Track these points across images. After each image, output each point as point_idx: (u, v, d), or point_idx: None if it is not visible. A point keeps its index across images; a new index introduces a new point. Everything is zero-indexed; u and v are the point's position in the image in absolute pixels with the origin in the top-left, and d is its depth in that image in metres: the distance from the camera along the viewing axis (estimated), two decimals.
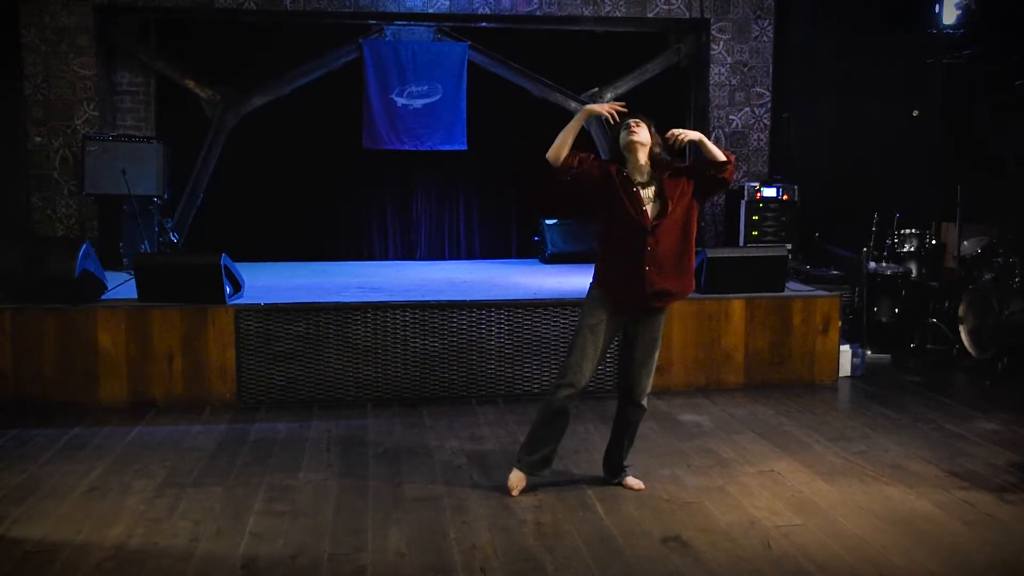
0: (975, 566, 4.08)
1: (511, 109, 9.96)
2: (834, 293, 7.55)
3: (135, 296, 6.80)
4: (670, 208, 4.63)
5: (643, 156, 4.67)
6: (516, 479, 4.91)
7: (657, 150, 4.71)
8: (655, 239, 4.62)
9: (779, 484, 5.09)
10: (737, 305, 7.21)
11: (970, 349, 7.75)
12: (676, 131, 4.70)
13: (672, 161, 4.75)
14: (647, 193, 4.67)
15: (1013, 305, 7.39)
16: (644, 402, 4.90)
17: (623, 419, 4.99)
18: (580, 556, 4.15)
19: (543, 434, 4.88)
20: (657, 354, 4.88)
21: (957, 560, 4.12)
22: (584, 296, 4.87)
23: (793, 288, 7.65)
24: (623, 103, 4.83)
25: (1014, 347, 7.41)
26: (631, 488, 4.97)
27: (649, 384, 4.89)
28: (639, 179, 4.68)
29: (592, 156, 4.86)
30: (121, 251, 8.53)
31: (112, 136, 8.93)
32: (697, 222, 4.84)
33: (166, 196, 8.89)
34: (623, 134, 4.71)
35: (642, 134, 4.68)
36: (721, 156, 4.66)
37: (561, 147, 4.75)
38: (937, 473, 5.26)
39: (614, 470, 5.08)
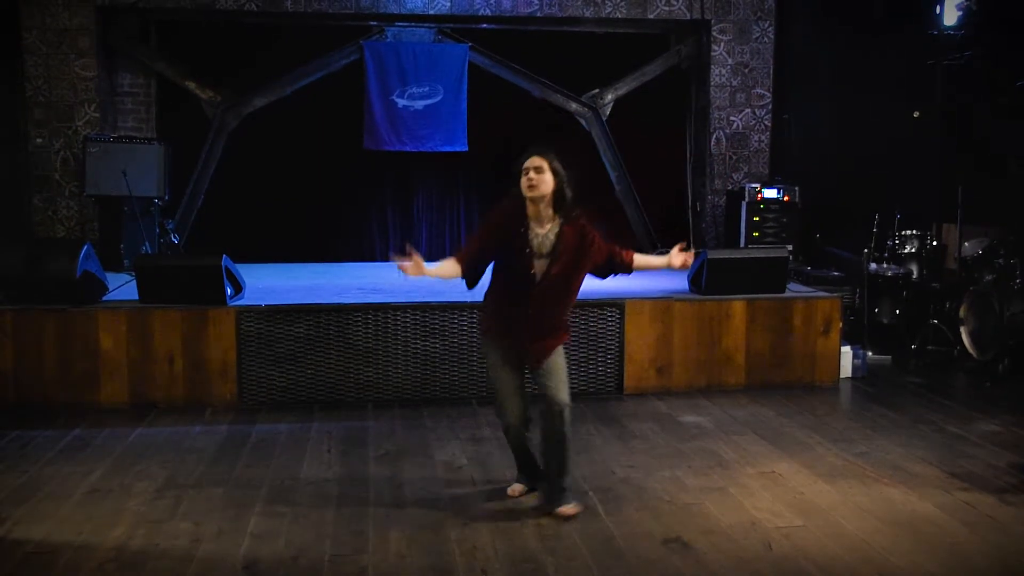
0: (976, 567, 4.08)
1: (512, 110, 9.96)
2: (835, 294, 7.54)
3: (136, 297, 6.81)
4: (559, 264, 4.43)
5: (544, 205, 4.39)
6: (517, 488, 4.94)
7: (567, 192, 4.41)
8: (540, 293, 4.45)
9: (780, 485, 5.08)
10: (738, 306, 7.21)
11: (971, 350, 7.74)
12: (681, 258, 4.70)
13: (578, 212, 4.47)
14: (542, 244, 4.42)
15: (1014, 306, 7.38)
16: (566, 412, 4.56)
17: (546, 431, 4.64)
18: (581, 557, 4.15)
19: (518, 457, 4.88)
20: (563, 371, 4.62)
21: (958, 561, 4.12)
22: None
23: (794, 289, 7.65)
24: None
25: (1015, 348, 7.41)
26: (563, 515, 4.57)
27: (566, 392, 4.59)
28: (537, 229, 4.42)
29: (477, 239, 4.59)
30: (122, 252, 8.54)
31: (113, 137, 8.94)
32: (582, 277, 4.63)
33: (167, 197, 8.89)
34: (522, 180, 4.37)
35: (542, 185, 4.35)
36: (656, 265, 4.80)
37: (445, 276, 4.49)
38: (938, 474, 5.26)
39: (542, 487, 4.79)
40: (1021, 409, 6.57)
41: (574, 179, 4.44)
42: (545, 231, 4.43)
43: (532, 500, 4.86)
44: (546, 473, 4.70)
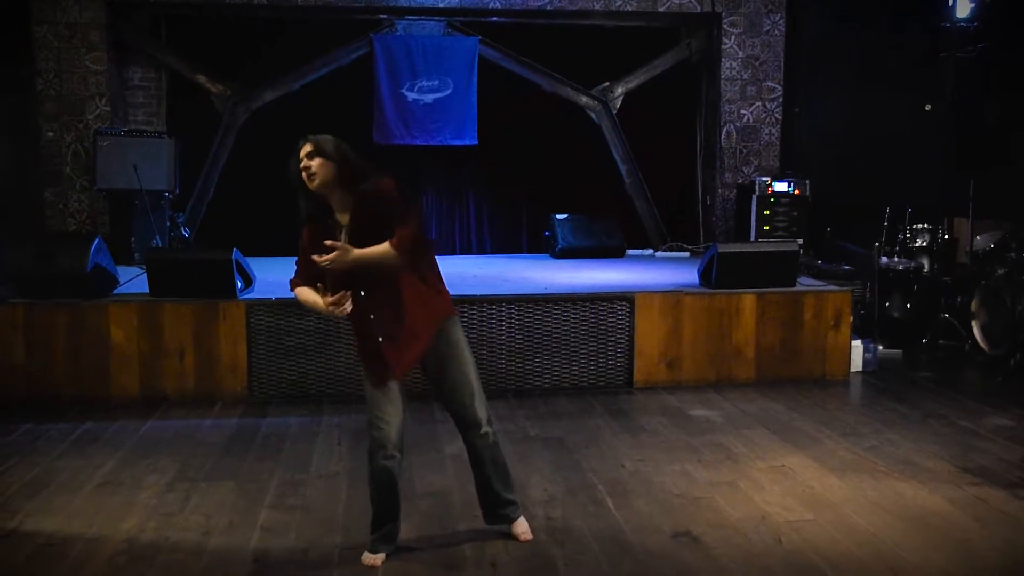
0: (987, 563, 4.06)
1: (522, 104, 9.94)
2: (846, 288, 7.52)
3: (147, 291, 6.82)
4: (362, 241, 3.81)
5: (337, 192, 3.88)
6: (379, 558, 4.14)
7: (353, 166, 3.87)
8: (369, 286, 3.87)
9: (790, 479, 5.07)
10: (748, 300, 7.19)
11: (982, 345, 7.71)
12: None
13: (371, 181, 3.89)
14: (344, 226, 3.90)
15: (1022, 301, 7.34)
16: (486, 426, 4.09)
17: (472, 454, 4.19)
18: (590, 551, 4.15)
19: (387, 500, 4.13)
20: (469, 366, 4.07)
21: (969, 556, 4.11)
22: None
23: (804, 283, 7.63)
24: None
25: None
26: (517, 537, 4.23)
27: (482, 403, 4.08)
28: (344, 220, 3.90)
29: (299, 257, 4.07)
30: (132, 246, 8.56)
31: (123, 131, 8.96)
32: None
33: (177, 191, 8.91)
34: (303, 174, 3.84)
35: (319, 170, 3.82)
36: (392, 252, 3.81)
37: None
38: (949, 469, 5.24)
39: (491, 513, 4.29)
40: None
41: (348, 150, 3.91)
42: (346, 219, 3.91)
43: (541, 494, 4.86)
44: (480, 489, 4.25)
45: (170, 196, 8.80)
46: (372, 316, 3.90)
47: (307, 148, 3.85)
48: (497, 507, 4.25)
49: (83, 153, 9.06)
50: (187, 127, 9.48)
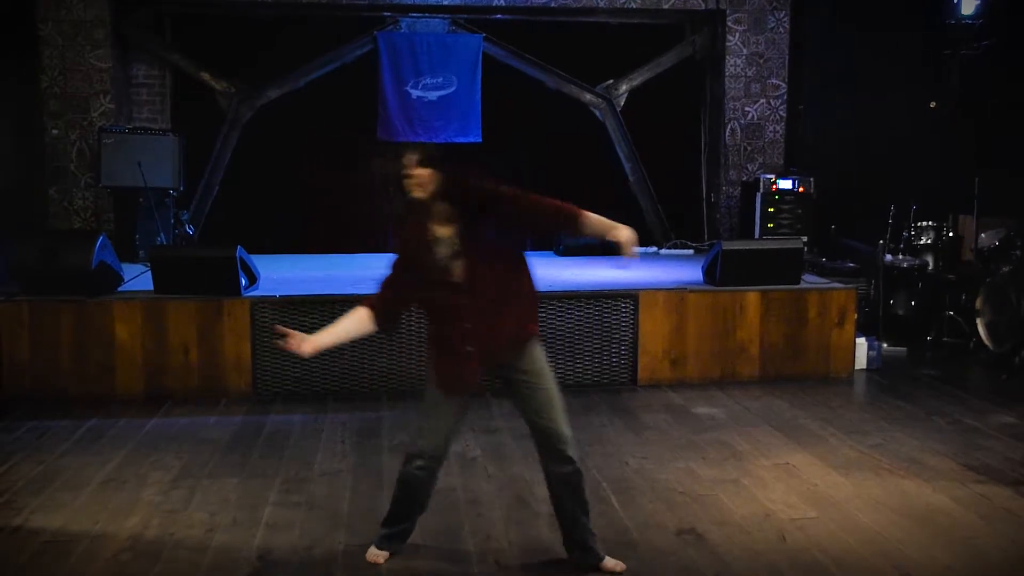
0: (991, 560, 4.06)
1: (526, 102, 9.93)
2: (850, 286, 7.51)
3: (151, 288, 6.83)
4: (471, 246, 3.73)
5: (437, 203, 3.74)
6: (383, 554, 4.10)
7: (453, 178, 3.75)
8: (474, 294, 3.72)
9: (794, 477, 5.07)
10: (752, 298, 7.18)
11: (987, 342, 7.70)
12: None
13: (457, 179, 3.78)
14: (452, 243, 3.74)
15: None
16: (572, 452, 3.84)
17: (558, 487, 3.91)
18: None
19: (411, 504, 4.11)
20: (554, 384, 3.87)
21: (973, 554, 4.10)
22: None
23: (809, 281, 7.62)
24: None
25: None
26: (613, 570, 3.92)
27: (567, 422, 3.86)
28: (441, 231, 3.75)
29: (391, 272, 3.89)
30: (137, 243, 8.57)
31: (128, 129, 8.95)
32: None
33: (182, 188, 8.91)
34: (406, 182, 3.72)
35: (423, 180, 3.71)
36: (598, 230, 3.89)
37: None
38: (953, 467, 5.23)
39: (582, 547, 3.98)
40: None
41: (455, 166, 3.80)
42: (450, 229, 3.74)
43: (546, 491, 4.86)
44: (563, 523, 3.98)
45: (174, 193, 8.80)
46: (469, 325, 3.73)
47: (415, 156, 3.72)
48: (587, 539, 3.95)
49: (87, 150, 9.06)
50: (192, 124, 9.47)
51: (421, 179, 3.68)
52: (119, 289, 6.92)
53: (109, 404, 6.48)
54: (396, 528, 4.06)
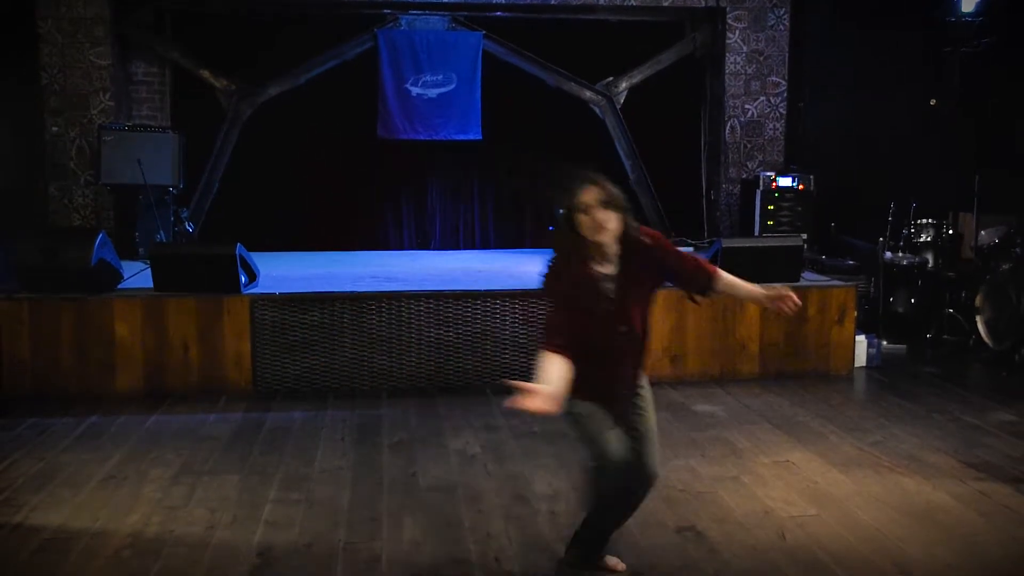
0: (991, 557, 4.06)
1: (526, 99, 9.93)
2: (850, 283, 7.51)
3: (151, 286, 6.83)
4: (631, 291, 3.61)
5: (609, 243, 3.54)
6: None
7: (630, 221, 3.56)
8: (626, 335, 3.63)
9: (794, 474, 5.07)
10: None
11: (987, 340, 7.70)
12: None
13: (636, 227, 3.58)
14: (609, 280, 3.58)
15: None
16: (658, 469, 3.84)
17: (630, 501, 3.89)
18: None
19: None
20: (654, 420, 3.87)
21: (973, 552, 4.11)
22: None
23: (809, 278, 7.62)
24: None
25: None
26: (615, 568, 3.97)
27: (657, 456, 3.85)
28: (604, 270, 3.58)
29: (556, 315, 3.60)
30: (137, 241, 8.56)
31: (128, 126, 8.95)
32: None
33: (182, 186, 8.90)
34: (583, 221, 3.47)
35: (609, 223, 3.48)
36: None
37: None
38: (953, 464, 5.24)
39: (596, 551, 4.01)
40: None
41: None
42: (611, 269, 3.59)
43: (546, 488, 4.87)
44: (604, 533, 3.97)
45: (174, 191, 8.80)
46: (621, 370, 3.66)
47: (600, 195, 3.46)
48: (604, 545, 3.98)
49: (87, 148, 9.06)
50: (192, 122, 9.46)
51: (607, 222, 3.46)
52: (119, 287, 6.93)
53: (109, 401, 6.48)
54: (604, 542, 3.93)
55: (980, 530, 4.34)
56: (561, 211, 3.53)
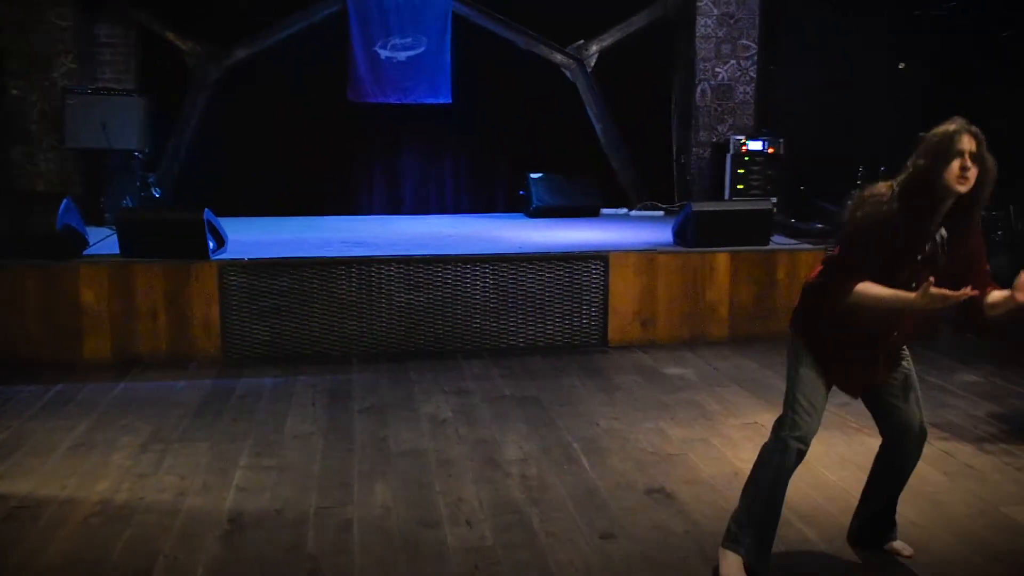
0: (954, 515, 4.13)
1: (496, 62, 9.86)
2: (819, 247, 7.56)
3: (118, 252, 6.76)
4: (944, 271, 3.29)
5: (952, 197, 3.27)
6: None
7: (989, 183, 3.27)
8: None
9: (763, 436, 5.07)
10: (722, 259, 7.22)
11: None
12: None
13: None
14: (932, 248, 3.34)
15: (997, 259, 7.41)
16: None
17: (897, 462, 3.77)
18: (565, 509, 4.18)
19: (777, 508, 3.65)
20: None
21: (937, 510, 4.18)
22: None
23: (778, 242, 7.67)
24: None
25: None
26: (900, 553, 3.77)
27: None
28: (933, 229, 3.33)
29: (869, 251, 3.33)
30: (103, 206, 8.45)
31: (91, 89, 8.80)
32: None
33: (148, 150, 8.79)
34: (953, 167, 3.21)
35: (973, 177, 3.22)
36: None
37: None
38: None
39: (884, 528, 3.84)
40: (1001, 360, 6.62)
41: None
42: (937, 231, 3.33)
43: (517, 452, 4.88)
44: (875, 507, 3.84)
45: (140, 156, 8.68)
46: (897, 333, 3.50)
47: (974, 147, 3.23)
48: (889, 526, 3.83)
49: (50, 111, 8.89)
50: (159, 85, 9.32)
51: (972, 177, 3.22)
52: (85, 253, 6.84)
53: (77, 369, 6.43)
54: (765, 544, 3.57)
55: (944, 489, 4.42)
56: (925, 148, 3.31)
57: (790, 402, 3.60)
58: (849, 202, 3.44)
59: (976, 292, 3.19)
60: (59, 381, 6.15)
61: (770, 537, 3.58)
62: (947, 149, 3.22)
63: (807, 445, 3.56)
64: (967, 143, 3.22)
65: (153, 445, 5.00)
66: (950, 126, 3.28)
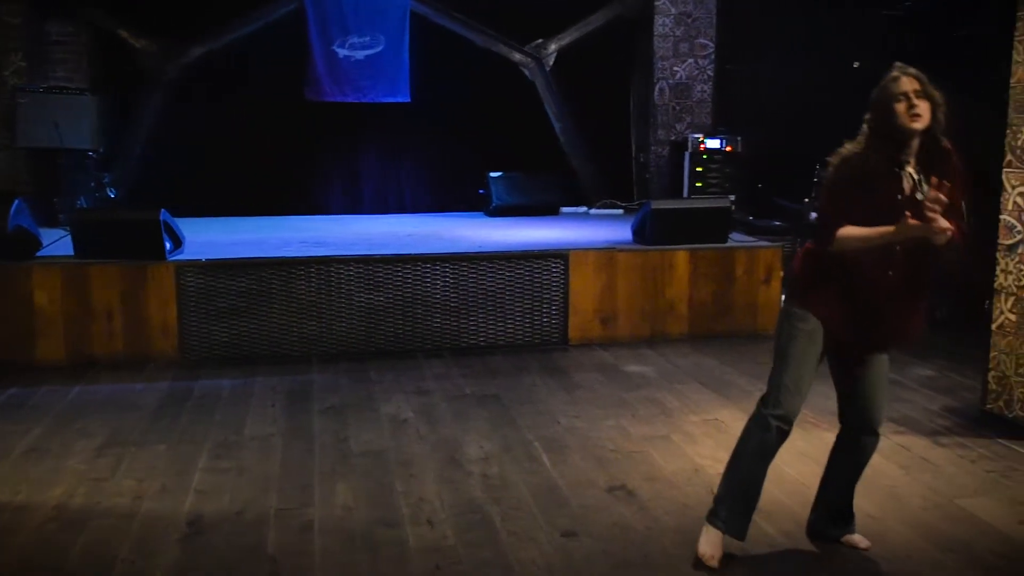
0: (911, 508, 4.19)
1: (455, 61, 9.84)
2: (776, 244, 7.63)
3: (72, 253, 6.66)
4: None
5: (915, 139, 3.42)
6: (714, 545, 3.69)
7: (941, 116, 3.41)
8: (909, 252, 3.47)
9: (723, 432, 5.16)
10: (681, 256, 7.26)
11: None
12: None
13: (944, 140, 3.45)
14: (912, 189, 3.44)
15: (951, 253, 7.50)
16: (881, 428, 3.81)
17: (855, 453, 3.84)
18: (527, 506, 4.19)
19: (756, 485, 3.73)
20: (887, 381, 3.81)
21: (893, 503, 4.23)
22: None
23: (736, 239, 7.73)
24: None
25: (950, 296, 7.55)
26: (857, 546, 3.83)
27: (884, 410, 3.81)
28: (908, 170, 3.46)
29: (842, 200, 3.48)
30: (56, 206, 8.32)
31: (43, 88, 8.66)
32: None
33: (102, 150, 8.67)
34: (899, 108, 3.38)
35: (925, 113, 3.38)
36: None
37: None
38: None
39: (835, 523, 3.90)
40: (956, 355, 6.72)
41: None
42: (912, 171, 3.46)
43: (478, 451, 4.88)
44: (837, 498, 3.89)
45: (94, 155, 8.56)
46: (892, 274, 3.48)
47: (916, 85, 3.38)
48: (847, 517, 3.88)
49: (1, 110, 8.74)
50: (113, 84, 9.20)
51: (925, 110, 3.37)
52: (38, 254, 6.73)
53: (30, 372, 6.32)
54: (745, 517, 3.67)
55: (900, 482, 4.48)
56: (872, 102, 3.49)
57: (775, 381, 3.64)
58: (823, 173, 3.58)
59: (948, 227, 3.27)
60: (12, 385, 6.04)
61: (748, 511, 3.67)
62: (890, 95, 3.42)
63: (789, 425, 3.62)
64: (906, 84, 3.41)
65: (110, 449, 4.93)
66: (889, 75, 3.48)
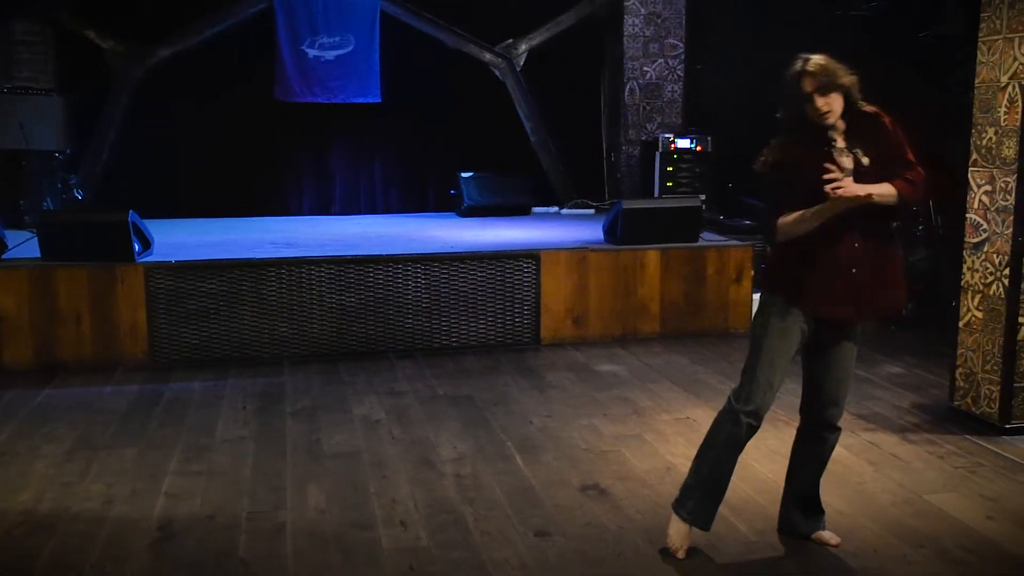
0: (880, 504, 4.23)
1: (425, 61, 9.82)
2: (747, 243, 7.67)
3: (38, 255, 6.58)
4: (871, 171, 3.43)
5: (835, 120, 3.49)
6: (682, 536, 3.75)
7: (856, 93, 3.49)
8: (863, 221, 3.49)
9: (694, 431, 5.19)
10: (652, 256, 7.29)
11: None
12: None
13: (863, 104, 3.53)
14: (848, 159, 3.48)
15: (917, 253, 7.60)
16: (841, 422, 3.85)
17: (816, 447, 3.87)
18: (500, 507, 4.19)
19: (724, 478, 3.74)
20: (853, 367, 3.86)
21: (863, 499, 4.27)
22: None
23: (707, 238, 7.77)
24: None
25: (918, 294, 7.63)
26: (827, 543, 3.84)
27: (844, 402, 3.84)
28: (840, 143, 3.52)
29: (786, 187, 3.59)
30: (22, 208, 8.22)
31: (8, 88, 8.55)
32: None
33: (68, 151, 8.57)
34: (808, 109, 3.47)
35: (835, 105, 3.45)
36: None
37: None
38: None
39: (807, 518, 3.91)
40: (924, 352, 6.80)
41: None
42: (843, 144, 3.50)
43: (451, 452, 4.88)
44: (803, 491, 3.91)
45: (61, 156, 8.46)
46: (857, 244, 3.49)
47: (819, 81, 3.40)
48: (815, 513, 3.90)
49: None
50: (79, 85, 9.09)
51: (835, 102, 3.43)
52: (3, 257, 6.65)
53: None
54: (711, 508, 3.71)
55: (869, 478, 4.52)
56: (782, 99, 3.57)
57: (748, 376, 3.66)
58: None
59: (867, 197, 3.34)
60: None
61: (714, 502, 3.72)
62: (796, 98, 3.48)
63: (759, 421, 3.64)
64: (809, 84, 3.43)
65: (78, 453, 4.88)
66: (792, 69, 3.50)
